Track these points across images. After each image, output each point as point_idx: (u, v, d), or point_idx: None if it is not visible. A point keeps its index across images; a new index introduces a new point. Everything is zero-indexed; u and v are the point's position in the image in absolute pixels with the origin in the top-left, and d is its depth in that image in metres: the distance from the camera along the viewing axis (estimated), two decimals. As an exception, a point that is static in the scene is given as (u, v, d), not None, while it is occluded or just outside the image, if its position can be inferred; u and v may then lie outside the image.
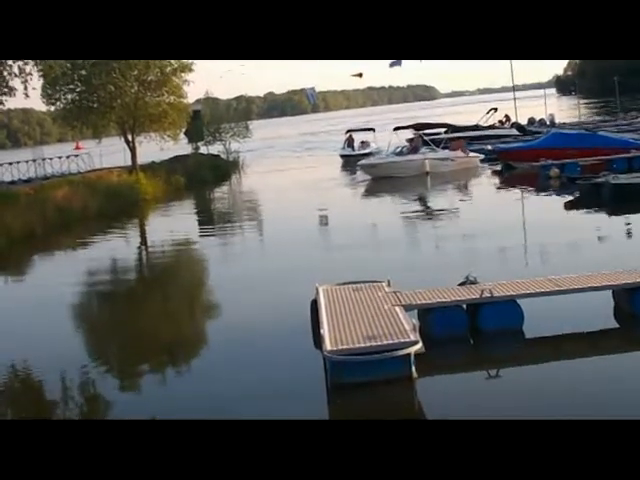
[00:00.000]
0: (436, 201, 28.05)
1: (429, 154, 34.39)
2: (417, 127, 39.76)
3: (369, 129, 52.68)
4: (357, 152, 46.56)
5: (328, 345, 9.39)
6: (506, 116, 49.93)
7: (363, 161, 36.71)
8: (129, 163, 38.88)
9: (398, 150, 35.62)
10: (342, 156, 47.62)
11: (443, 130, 42.82)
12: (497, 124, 48.27)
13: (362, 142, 48.73)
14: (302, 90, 77.42)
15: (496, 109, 50.26)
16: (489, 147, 36.10)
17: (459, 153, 34.55)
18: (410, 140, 38.91)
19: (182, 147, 45.58)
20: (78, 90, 36.82)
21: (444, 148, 35.88)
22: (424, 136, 37.33)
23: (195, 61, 38.13)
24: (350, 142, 49.04)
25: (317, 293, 11.86)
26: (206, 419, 6.90)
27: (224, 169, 46.20)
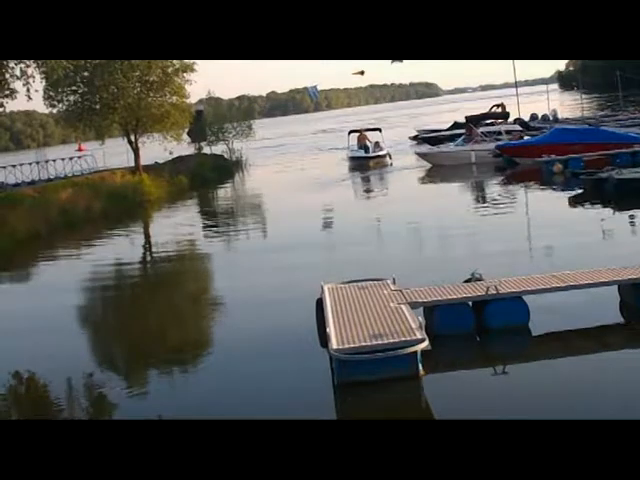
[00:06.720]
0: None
1: (479, 145, 36.43)
2: (482, 117, 43.30)
3: (375, 129, 48.74)
4: (371, 154, 43.24)
5: (334, 343, 9.39)
6: (501, 105, 49.96)
7: (420, 150, 40.59)
8: (132, 164, 38.91)
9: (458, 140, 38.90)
10: (352, 158, 43.91)
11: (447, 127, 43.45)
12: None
13: (376, 143, 44.73)
14: (304, 89, 77.32)
15: (499, 105, 50.18)
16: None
17: None
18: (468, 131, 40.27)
19: (185, 147, 45.48)
20: (80, 91, 36.87)
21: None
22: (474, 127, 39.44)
23: (197, 61, 38.16)
24: (362, 143, 45.06)
25: (322, 292, 11.85)
26: (208, 419, 6.89)
27: (227, 169, 46.20)
